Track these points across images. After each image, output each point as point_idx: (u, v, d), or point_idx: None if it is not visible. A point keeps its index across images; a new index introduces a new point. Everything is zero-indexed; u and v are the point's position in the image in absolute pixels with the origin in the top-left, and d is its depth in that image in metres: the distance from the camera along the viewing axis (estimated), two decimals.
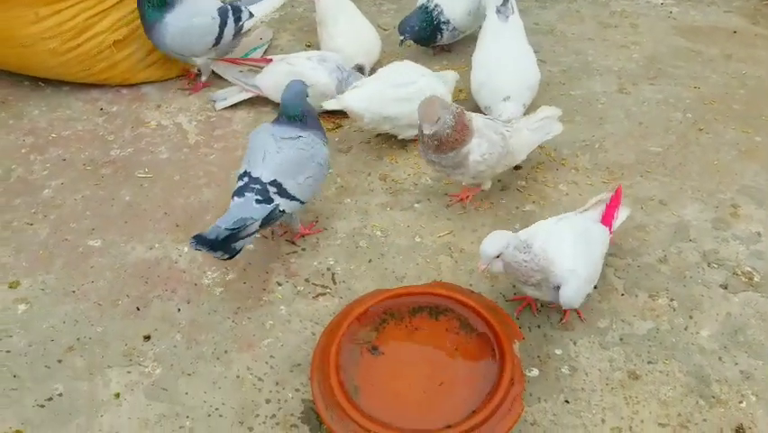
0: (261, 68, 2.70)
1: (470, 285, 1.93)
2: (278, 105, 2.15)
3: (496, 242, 1.70)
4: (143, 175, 2.39)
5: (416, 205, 2.25)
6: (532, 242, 1.71)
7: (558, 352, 1.79)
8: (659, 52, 3.03)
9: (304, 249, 2.09)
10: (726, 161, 2.40)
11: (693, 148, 2.47)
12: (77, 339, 1.84)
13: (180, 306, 1.93)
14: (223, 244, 1.79)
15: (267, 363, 1.78)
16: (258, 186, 1.90)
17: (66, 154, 2.49)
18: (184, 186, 2.34)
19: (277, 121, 2.05)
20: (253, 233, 1.87)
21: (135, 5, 2.64)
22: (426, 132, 1.95)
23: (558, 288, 1.71)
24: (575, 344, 1.81)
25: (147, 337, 1.85)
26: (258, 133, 2.04)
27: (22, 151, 2.51)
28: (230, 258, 1.83)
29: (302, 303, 1.93)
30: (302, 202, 1.99)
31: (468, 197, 2.23)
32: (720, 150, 2.45)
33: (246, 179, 1.93)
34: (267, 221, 1.89)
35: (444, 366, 1.67)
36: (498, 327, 1.66)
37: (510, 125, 2.17)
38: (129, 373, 1.76)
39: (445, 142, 1.98)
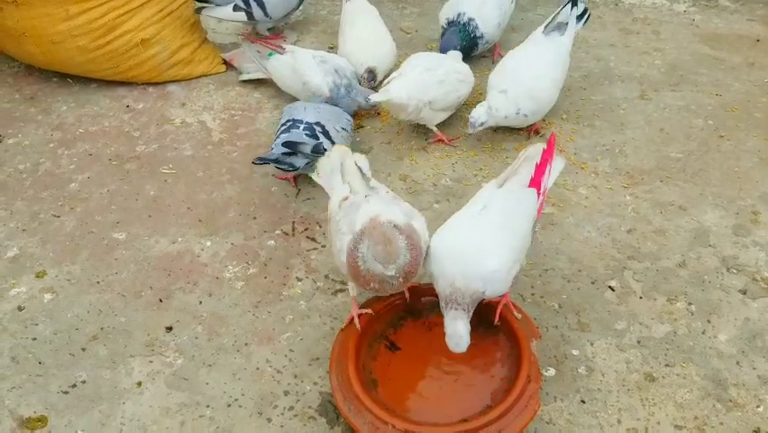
0: (277, 51, 2.74)
1: None
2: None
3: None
4: (168, 171, 2.43)
5: (435, 205, 2.26)
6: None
7: (575, 352, 1.79)
8: (681, 59, 3.02)
9: (324, 246, 2.12)
10: (746, 167, 2.40)
11: (714, 155, 2.46)
12: (101, 328, 1.88)
13: (202, 298, 1.97)
14: (282, 161, 2.12)
15: (286, 356, 1.80)
16: (305, 124, 2.23)
17: (92, 149, 2.54)
18: (207, 182, 2.38)
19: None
20: (306, 154, 2.14)
21: (163, 5, 2.70)
22: (390, 273, 1.52)
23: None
24: (592, 345, 1.81)
25: (169, 328, 1.88)
26: (293, 105, 2.41)
27: (50, 145, 2.56)
28: (294, 171, 2.18)
29: (321, 298, 1.96)
30: None
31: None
32: (741, 157, 2.45)
33: (291, 122, 2.25)
34: (314, 151, 2.14)
35: (461, 362, 1.68)
36: (516, 325, 1.68)
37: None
38: (151, 362, 1.79)
39: (407, 275, 1.57)
